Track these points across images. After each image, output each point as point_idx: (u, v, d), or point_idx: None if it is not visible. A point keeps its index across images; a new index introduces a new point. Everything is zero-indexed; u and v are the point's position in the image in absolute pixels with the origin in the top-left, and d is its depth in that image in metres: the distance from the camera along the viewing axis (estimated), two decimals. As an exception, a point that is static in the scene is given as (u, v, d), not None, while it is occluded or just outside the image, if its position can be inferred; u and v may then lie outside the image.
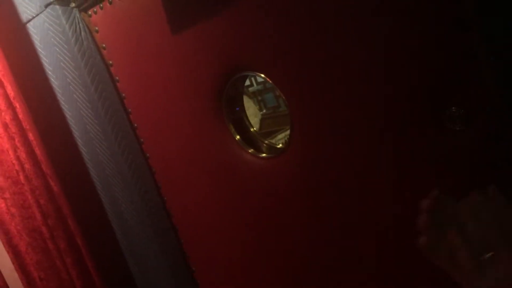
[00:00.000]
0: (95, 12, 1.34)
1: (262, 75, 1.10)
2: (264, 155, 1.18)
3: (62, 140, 1.46)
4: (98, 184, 1.48)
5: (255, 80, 1.49)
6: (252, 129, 1.23)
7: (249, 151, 1.18)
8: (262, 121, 1.67)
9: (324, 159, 1.04)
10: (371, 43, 0.87)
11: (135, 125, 1.41)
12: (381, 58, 0.87)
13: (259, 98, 1.55)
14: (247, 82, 1.48)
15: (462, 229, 0.63)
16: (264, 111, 1.61)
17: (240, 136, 1.21)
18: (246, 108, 1.35)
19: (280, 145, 1.22)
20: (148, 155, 1.44)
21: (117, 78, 1.38)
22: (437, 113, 0.84)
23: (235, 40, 1.08)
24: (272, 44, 1.01)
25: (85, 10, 1.35)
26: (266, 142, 1.23)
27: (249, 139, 1.23)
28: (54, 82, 1.43)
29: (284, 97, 1.06)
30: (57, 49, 1.38)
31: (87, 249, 1.44)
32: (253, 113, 1.66)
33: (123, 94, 1.39)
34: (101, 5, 1.30)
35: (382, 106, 0.91)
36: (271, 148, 1.22)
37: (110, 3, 1.27)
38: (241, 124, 1.25)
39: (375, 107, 0.92)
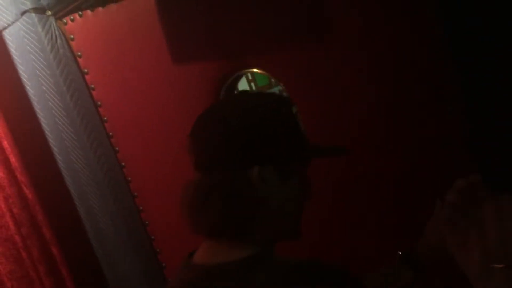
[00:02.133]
0: (72, 20, 1.34)
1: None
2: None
3: (37, 148, 1.45)
4: (74, 193, 1.47)
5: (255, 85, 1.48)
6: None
7: None
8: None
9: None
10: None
11: (111, 133, 1.41)
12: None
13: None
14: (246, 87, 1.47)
15: (483, 228, 0.57)
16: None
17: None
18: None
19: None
20: (123, 163, 1.43)
21: (92, 86, 1.38)
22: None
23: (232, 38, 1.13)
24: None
25: (61, 18, 1.35)
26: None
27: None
28: (30, 90, 1.42)
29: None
30: (32, 56, 1.37)
31: (62, 258, 1.43)
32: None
33: (99, 102, 1.39)
34: (81, 13, 1.31)
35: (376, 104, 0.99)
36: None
37: (92, 10, 1.29)
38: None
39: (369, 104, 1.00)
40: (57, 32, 1.36)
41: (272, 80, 1.32)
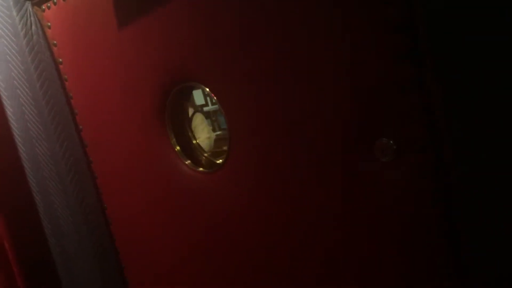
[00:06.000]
0: (49, 7, 1.30)
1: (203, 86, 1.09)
2: (201, 169, 1.16)
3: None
4: (34, 186, 1.41)
5: (211, 100, 1.46)
6: (194, 142, 1.22)
7: (186, 162, 1.17)
8: (215, 141, 1.66)
9: (261, 177, 1.03)
10: (313, 70, 0.88)
11: (80, 127, 1.36)
12: (317, 85, 0.88)
13: (213, 118, 1.52)
14: (203, 101, 1.44)
15: None
16: (218, 132, 1.58)
17: (180, 147, 1.19)
18: (203, 128, 1.33)
19: (220, 160, 1.20)
20: (91, 159, 1.38)
21: (65, 77, 1.34)
22: (367, 143, 0.84)
23: (179, 48, 1.07)
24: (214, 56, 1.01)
25: (38, 4, 1.31)
26: (205, 155, 1.22)
27: (191, 151, 1.23)
28: (-3, 75, 1.36)
29: (222, 110, 1.06)
30: (4, 41, 1.32)
31: (14, 254, 1.36)
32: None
33: (70, 94, 1.35)
34: (55, 0, 1.27)
35: (316, 131, 0.91)
36: (210, 163, 1.21)
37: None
38: (184, 135, 1.23)
39: (311, 131, 0.92)
40: (32, 18, 1.32)
41: (208, 98, 1.29)
